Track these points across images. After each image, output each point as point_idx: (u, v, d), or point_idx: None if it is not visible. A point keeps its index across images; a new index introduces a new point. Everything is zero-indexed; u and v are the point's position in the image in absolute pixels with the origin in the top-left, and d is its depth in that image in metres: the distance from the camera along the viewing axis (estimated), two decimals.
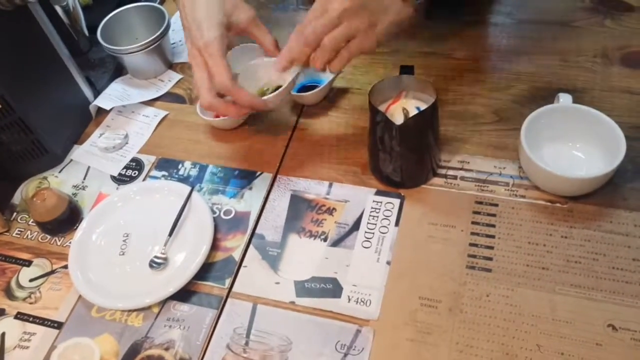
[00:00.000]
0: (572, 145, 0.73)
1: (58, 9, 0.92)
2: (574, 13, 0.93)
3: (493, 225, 0.70)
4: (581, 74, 0.84)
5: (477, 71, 0.87)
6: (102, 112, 0.90)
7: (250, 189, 0.78)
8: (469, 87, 0.85)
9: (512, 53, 0.88)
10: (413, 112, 0.71)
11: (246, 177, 0.79)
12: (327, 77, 0.85)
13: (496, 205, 0.72)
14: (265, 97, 0.70)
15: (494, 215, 0.71)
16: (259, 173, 0.79)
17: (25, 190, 0.82)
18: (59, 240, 0.76)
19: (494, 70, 0.86)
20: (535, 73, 0.85)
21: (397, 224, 0.71)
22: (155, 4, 0.95)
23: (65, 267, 0.72)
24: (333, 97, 0.87)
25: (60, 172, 0.85)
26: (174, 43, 0.99)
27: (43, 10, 0.81)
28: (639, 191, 0.70)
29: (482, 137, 0.79)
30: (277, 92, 0.70)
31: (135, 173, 0.83)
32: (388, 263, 0.68)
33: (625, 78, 0.83)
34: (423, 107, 0.70)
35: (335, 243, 0.71)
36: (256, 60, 0.73)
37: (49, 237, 0.77)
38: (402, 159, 0.70)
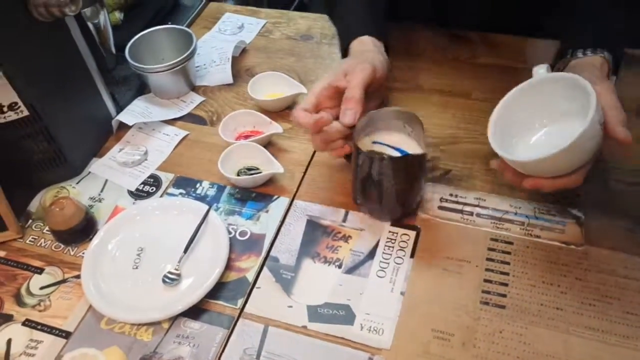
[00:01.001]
0: (557, 120, 0.71)
1: (90, 25, 0.94)
2: None
3: (508, 263, 0.70)
4: None
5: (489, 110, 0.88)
6: (123, 128, 0.92)
7: (267, 211, 0.78)
8: (484, 127, 0.86)
9: None
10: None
11: (263, 200, 0.80)
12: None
13: (511, 243, 0.72)
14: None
15: (508, 253, 0.71)
16: (276, 197, 0.80)
17: (44, 198, 0.83)
18: (72, 250, 0.76)
19: None
20: None
21: (412, 255, 0.72)
22: (184, 27, 0.97)
23: (77, 277, 0.72)
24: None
25: (78, 183, 0.85)
26: (198, 66, 1.01)
27: (77, 25, 0.83)
28: None
29: (497, 176, 0.80)
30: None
31: (152, 189, 0.83)
32: (402, 294, 0.68)
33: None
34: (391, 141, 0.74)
35: (350, 270, 0.71)
36: None
37: (62, 246, 0.77)
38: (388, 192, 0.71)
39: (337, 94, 0.73)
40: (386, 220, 0.75)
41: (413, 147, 0.73)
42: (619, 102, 0.65)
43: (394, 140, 0.74)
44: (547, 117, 0.71)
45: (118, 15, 1.08)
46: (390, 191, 0.70)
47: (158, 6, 1.13)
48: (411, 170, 0.69)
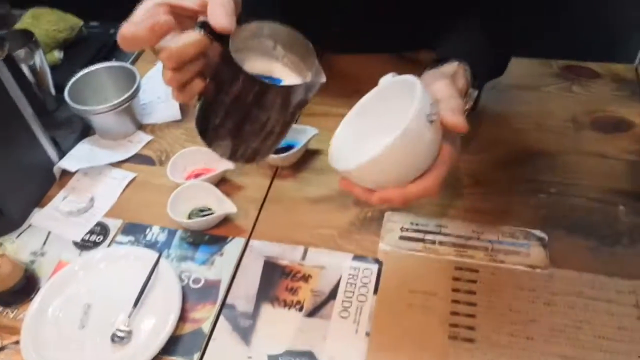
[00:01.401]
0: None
1: (24, 67, 0.90)
2: (543, 78, 0.95)
3: (474, 293, 0.67)
4: (554, 137, 0.85)
5: None
6: (67, 174, 0.87)
7: (221, 255, 0.74)
8: None
9: (487, 118, 0.89)
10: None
11: (217, 243, 0.76)
12: (301, 139, 0.84)
13: (476, 271, 0.70)
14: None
15: (474, 281, 0.69)
16: (230, 238, 0.76)
17: None
18: (12, 313, 0.71)
19: (469, 133, 0.86)
20: (510, 137, 0.85)
21: (375, 291, 0.68)
22: (126, 64, 0.93)
23: (17, 342, 0.66)
24: (308, 158, 0.85)
25: (17, 237, 0.80)
26: (144, 103, 0.97)
27: (7, 68, 0.78)
28: (618, 256, 0.69)
29: (459, 201, 0.78)
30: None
31: (100, 238, 0.78)
32: (367, 334, 0.64)
33: (596, 142, 0.84)
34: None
35: (311, 313, 0.67)
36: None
37: (0, 308, 0.71)
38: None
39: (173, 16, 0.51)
40: (239, 162, 0.58)
41: (289, 78, 0.56)
42: (456, 92, 0.59)
43: (258, 67, 0.55)
44: (394, 124, 0.57)
45: (57, 55, 1.03)
46: (270, 129, 0.54)
47: (100, 43, 1.08)
48: (296, 106, 0.54)
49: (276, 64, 0.56)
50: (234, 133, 0.53)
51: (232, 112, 0.52)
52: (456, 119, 0.56)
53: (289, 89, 0.51)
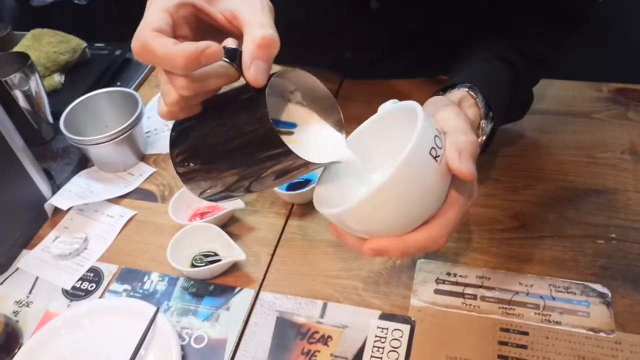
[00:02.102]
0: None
1: (18, 94, 0.82)
2: (593, 104, 0.84)
3: None
4: (610, 172, 0.74)
5: (490, 167, 0.76)
6: (60, 211, 0.78)
7: (228, 309, 0.64)
8: (482, 186, 0.74)
9: (529, 148, 0.78)
10: None
11: (223, 294, 0.66)
12: (318, 173, 0.74)
13: (526, 333, 0.59)
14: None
15: (524, 347, 0.58)
16: (238, 289, 0.66)
17: None
18: None
19: (510, 167, 0.76)
20: (558, 171, 0.75)
21: (407, 357, 0.58)
22: (128, 89, 0.85)
23: None
24: None
25: (1, 283, 0.71)
26: (148, 132, 0.88)
27: None
28: None
29: (501, 246, 0.67)
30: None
31: (92, 286, 0.69)
32: None
33: None
34: None
35: None
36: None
37: None
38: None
39: (195, 20, 0.45)
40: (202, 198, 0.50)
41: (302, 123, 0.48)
42: (466, 125, 0.49)
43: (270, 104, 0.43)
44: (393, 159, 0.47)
45: (57, 79, 0.96)
46: (259, 185, 0.47)
47: (104, 66, 1.01)
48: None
49: (290, 104, 0.48)
50: (220, 174, 0.46)
51: (233, 156, 0.44)
52: (463, 165, 0.44)
53: (311, 164, 0.43)
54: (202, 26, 0.45)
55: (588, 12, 0.71)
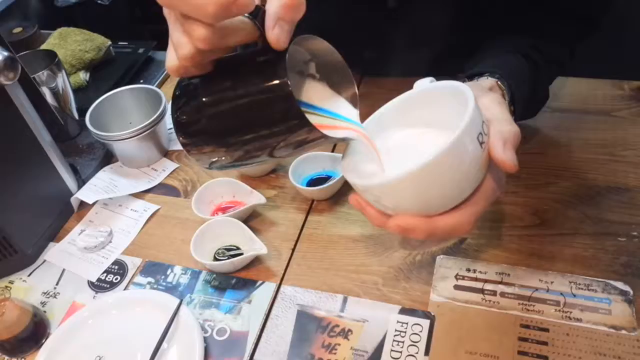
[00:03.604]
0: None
1: (45, 90, 0.84)
2: (613, 101, 0.84)
3: (545, 358, 0.57)
4: (631, 170, 0.73)
5: None
6: (85, 205, 0.80)
7: (249, 302, 0.66)
8: None
9: (549, 145, 0.78)
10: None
11: (245, 287, 0.67)
12: (340, 169, 0.75)
13: (546, 330, 0.59)
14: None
15: (544, 343, 0.58)
16: (260, 282, 0.67)
17: None
18: None
19: (530, 164, 0.76)
20: (578, 168, 0.75)
21: (427, 352, 0.58)
22: (151, 87, 0.86)
23: None
24: (347, 191, 0.76)
25: (29, 275, 0.73)
26: (170, 128, 0.90)
27: (25, 93, 0.72)
28: None
29: (522, 243, 0.67)
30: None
31: (117, 279, 0.71)
32: None
33: None
34: None
35: None
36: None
37: (6, 357, 0.64)
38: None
39: None
40: (208, 169, 0.51)
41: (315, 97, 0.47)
42: (509, 115, 0.49)
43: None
44: (431, 137, 0.51)
45: (83, 76, 0.98)
46: (266, 152, 0.45)
47: (127, 64, 1.03)
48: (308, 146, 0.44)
49: (305, 79, 0.47)
50: (226, 138, 0.44)
51: (243, 121, 0.42)
52: (506, 156, 0.45)
53: (327, 137, 0.42)
54: None
55: (601, 21, 0.70)
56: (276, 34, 0.39)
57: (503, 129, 0.47)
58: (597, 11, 0.70)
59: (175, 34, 0.40)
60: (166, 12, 0.41)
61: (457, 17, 0.80)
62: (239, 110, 0.42)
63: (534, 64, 0.65)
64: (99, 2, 2.03)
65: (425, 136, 0.51)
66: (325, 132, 0.41)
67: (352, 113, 0.48)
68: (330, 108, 0.47)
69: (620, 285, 0.61)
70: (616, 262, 0.64)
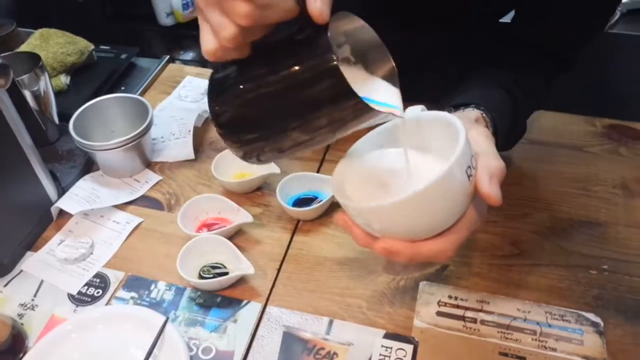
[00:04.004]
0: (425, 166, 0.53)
1: (27, 93, 0.82)
2: (586, 137, 0.88)
3: None
4: (602, 205, 0.77)
5: None
6: (64, 214, 0.78)
7: (235, 321, 0.66)
8: None
9: (525, 177, 0.82)
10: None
11: (230, 306, 0.67)
12: (326, 191, 0.77)
13: (523, 358, 0.62)
14: None
15: None
16: (245, 302, 0.68)
17: None
18: None
19: (508, 195, 0.78)
20: (553, 201, 0.78)
21: None
22: (139, 97, 0.85)
23: None
24: (332, 212, 0.77)
25: (5, 285, 0.71)
26: (155, 139, 0.89)
27: (9, 95, 0.70)
28: None
29: (501, 272, 0.70)
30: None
31: (98, 292, 0.70)
32: None
33: None
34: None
35: None
36: None
37: None
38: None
39: None
40: (248, 161, 0.49)
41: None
42: (495, 150, 0.52)
43: None
44: (420, 164, 0.53)
45: (64, 80, 0.96)
46: (310, 138, 0.45)
47: (110, 69, 1.01)
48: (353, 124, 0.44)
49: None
50: (271, 124, 0.43)
51: (287, 101, 0.41)
52: (492, 190, 0.48)
53: (375, 112, 0.41)
54: None
55: (575, 60, 0.73)
56: (319, 7, 0.39)
57: (490, 163, 0.49)
58: (568, 51, 0.73)
59: (215, 16, 0.40)
60: None
61: (442, 48, 0.83)
62: (282, 92, 0.41)
63: (514, 98, 0.68)
64: None
65: (417, 160, 0.53)
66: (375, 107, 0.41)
67: (393, 96, 0.48)
68: (370, 95, 0.45)
69: (591, 316, 0.65)
70: (588, 294, 0.67)
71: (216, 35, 0.41)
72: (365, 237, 0.50)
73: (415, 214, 0.46)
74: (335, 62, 0.38)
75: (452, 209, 0.48)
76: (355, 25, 0.45)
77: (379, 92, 0.47)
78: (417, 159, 0.53)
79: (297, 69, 0.40)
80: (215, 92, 0.44)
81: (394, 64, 0.48)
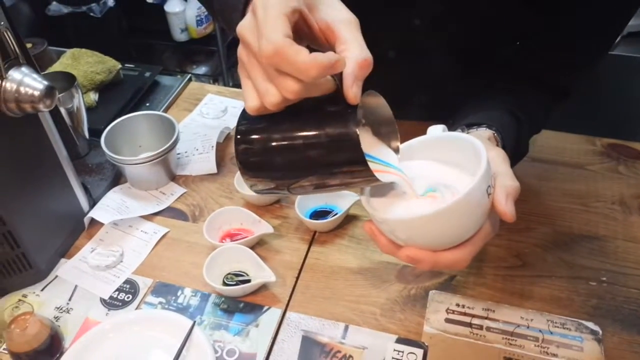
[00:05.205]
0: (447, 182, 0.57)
1: (62, 110, 0.88)
2: (586, 156, 0.93)
3: None
4: (602, 220, 0.82)
5: None
6: (95, 224, 0.83)
7: (257, 326, 0.71)
8: None
9: (529, 193, 0.87)
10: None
11: (252, 312, 0.72)
12: (342, 204, 0.82)
13: None
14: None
15: None
16: (266, 308, 0.73)
17: (1, 311, 0.73)
18: None
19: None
20: (555, 216, 0.83)
21: None
22: (167, 115, 0.91)
23: None
24: (347, 224, 0.83)
25: (42, 289, 0.76)
26: (179, 154, 0.94)
27: (50, 115, 0.76)
28: None
29: (506, 282, 0.74)
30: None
31: (128, 297, 0.75)
32: None
33: None
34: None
35: None
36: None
37: None
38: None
39: (295, 26, 0.45)
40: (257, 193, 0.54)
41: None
42: (511, 171, 0.56)
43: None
44: (444, 181, 0.57)
45: (93, 97, 1.02)
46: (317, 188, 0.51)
47: (135, 86, 1.07)
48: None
49: None
50: (289, 174, 0.50)
51: (305, 160, 0.48)
52: (508, 208, 0.52)
53: (379, 182, 0.49)
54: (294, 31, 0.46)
55: (574, 88, 0.78)
56: (355, 92, 0.45)
57: (507, 183, 0.54)
58: (566, 82, 0.77)
59: (263, 83, 0.45)
60: (243, 55, 0.46)
61: (453, 70, 0.88)
62: (305, 150, 0.47)
63: (518, 120, 0.73)
64: (91, 14, 2.06)
65: (443, 173, 0.58)
66: (378, 176, 0.47)
67: (393, 159, 0.55)
68: (376, 154, 0.53)
69: (591, 325, 0.69)
70: (587, 304, 0.72)
71: (261, 97, 0.45)
72: (390, 245, 0.55)
73: (437, 227, 0.51)
74: (358, 140, 0.44)
75: (472, 224, 0.53)
76: (374, 101, 0.52)
77: (383, 155, 0.54)
78: (445, 169, 0.58)
79: (325, 135, 0.46)
80: (243, 131, 0.50)
81: (399, 143, 0.55)
